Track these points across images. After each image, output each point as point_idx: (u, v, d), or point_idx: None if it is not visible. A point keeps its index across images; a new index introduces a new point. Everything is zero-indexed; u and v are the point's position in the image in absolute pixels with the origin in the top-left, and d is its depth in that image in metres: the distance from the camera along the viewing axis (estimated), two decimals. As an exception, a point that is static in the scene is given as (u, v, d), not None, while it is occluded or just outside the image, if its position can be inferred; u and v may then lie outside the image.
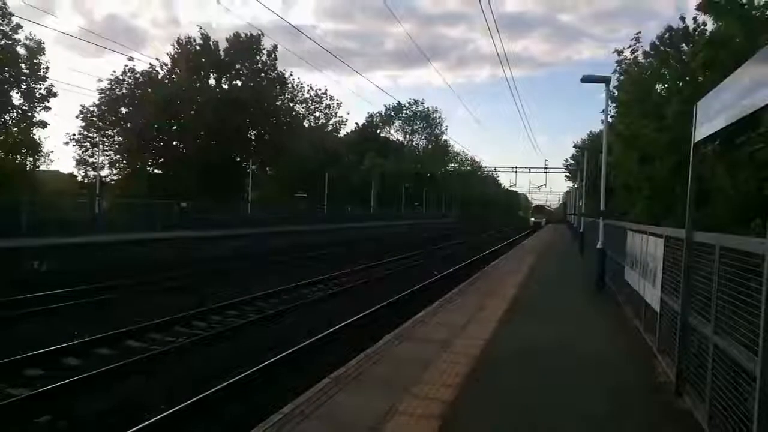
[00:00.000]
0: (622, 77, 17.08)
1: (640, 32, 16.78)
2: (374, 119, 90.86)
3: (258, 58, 53.05)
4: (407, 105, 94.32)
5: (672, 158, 12.96)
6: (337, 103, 74.41)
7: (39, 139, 40.44)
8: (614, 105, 18.65)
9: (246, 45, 51.82)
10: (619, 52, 16.72)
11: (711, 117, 5.34)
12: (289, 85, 60.06)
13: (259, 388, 7.89)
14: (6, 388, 7.73)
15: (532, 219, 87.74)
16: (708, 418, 5.00)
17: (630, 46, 16.22)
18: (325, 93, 72.97)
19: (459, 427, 5.20)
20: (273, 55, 53.36)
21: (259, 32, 50.90)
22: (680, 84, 13.93)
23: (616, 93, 17.88)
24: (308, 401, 5.71)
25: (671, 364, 6.67)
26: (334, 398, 5.83)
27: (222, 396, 7.41)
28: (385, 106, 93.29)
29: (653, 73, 15.31)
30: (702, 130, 5.75)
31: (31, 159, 41.15)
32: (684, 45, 14.49)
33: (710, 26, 13.55)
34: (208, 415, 6.90)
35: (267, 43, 52.53)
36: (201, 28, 75.89)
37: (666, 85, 15.18)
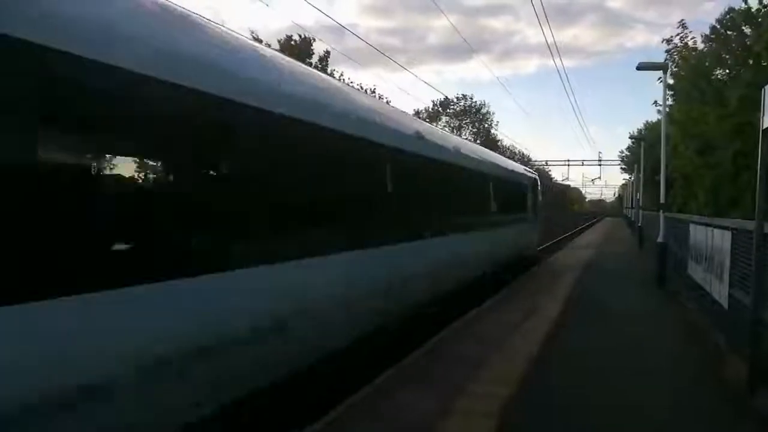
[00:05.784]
0: (674, 65, 16.57)
1: (683, 20, 16.37)
2: (420, 116, 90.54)
3: (307, 61, 54.01)
4: (455, 100, 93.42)
5: (735, 146, 12.48)
6: (387, 102, 74.81)
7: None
8: (671, 93, 18.07)
9: (298, 49, 52.98)
10: (668, 41, 16.29)
11: (780, 102, 5.13)
12: (339, 85, 60.97)
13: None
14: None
15: None
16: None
17: (678, 34, 15.80)
18: (374, 91, 73.44)
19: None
20: (325, 62, 54.46)
21: (311, 37, 52.02)
22: (742, 71, 13.39)
23: (671, 81, 17.32)
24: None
25: (742, 361, 6.42)
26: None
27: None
28: (432, 101, 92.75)
29: (712, 58, 14.74)
30: (771, 116, 5.51)
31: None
32: (746, 27, 13.88)
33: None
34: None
35: (316, 46, 53.73)
36: (253, 32, 77.40)
37: (727, 71, 14.60)
